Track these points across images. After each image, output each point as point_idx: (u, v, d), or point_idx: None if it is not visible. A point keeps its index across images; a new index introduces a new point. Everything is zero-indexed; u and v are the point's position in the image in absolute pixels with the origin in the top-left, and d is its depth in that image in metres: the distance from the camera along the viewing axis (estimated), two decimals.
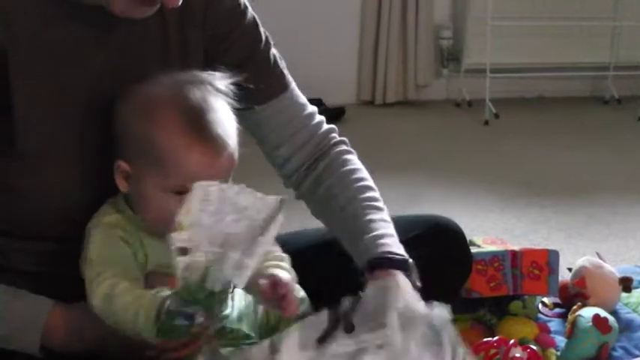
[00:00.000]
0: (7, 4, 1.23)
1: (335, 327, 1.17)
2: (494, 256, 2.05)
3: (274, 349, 1.18)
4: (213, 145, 1.22)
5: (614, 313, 2.09)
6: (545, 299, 2.18)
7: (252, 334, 1.34)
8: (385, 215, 1.43)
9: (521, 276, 2.05)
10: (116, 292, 1.17)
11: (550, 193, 3.16)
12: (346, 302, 1.18)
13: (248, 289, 1.30)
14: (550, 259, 2.08)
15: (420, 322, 1.18)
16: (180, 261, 1.08)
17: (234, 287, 1.14)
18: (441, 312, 1.18)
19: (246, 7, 1.43)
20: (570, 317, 1.99)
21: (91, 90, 1.28)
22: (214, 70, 1.29)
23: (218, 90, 1.26)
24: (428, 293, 1.53)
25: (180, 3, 1.21)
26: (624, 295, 2.20)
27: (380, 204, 1.45)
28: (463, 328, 2.05)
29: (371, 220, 1.40)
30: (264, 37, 1.45)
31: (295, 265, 1.31)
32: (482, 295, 2.03)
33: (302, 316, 1.25)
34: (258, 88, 1.34)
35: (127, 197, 1.28)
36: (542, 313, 2.14)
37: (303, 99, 1.51)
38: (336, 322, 1.18)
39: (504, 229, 2.78)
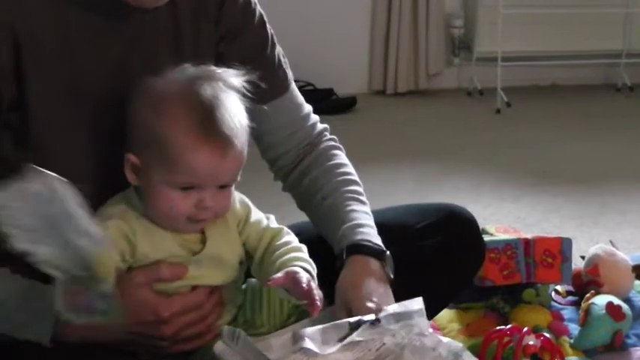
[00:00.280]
0: None
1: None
2: (507, 244, 2.05)
3: (297, 338, 1.19)
4: (220, 144, 1.21)
5: (627, 300, 2.09)
6: (559, 287, 2.18)
7: (266, 325, 1.34)
8: (367, 209, 1.45)
9: (535, 264, 2.06)
10: None
11: (563, 181, 3.15)
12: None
13: (264, 281, 1.31)
14: (563, 246, 2.09)
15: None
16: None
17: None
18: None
19: (255, 5, 1.44)
20: (584, 305, 1.99)
21: (104, 82, 1.28)
22: (222, 67, 1.29)
23: (231, 87, 1.26)
24: (441, 282, 1.55)
25: None
26: (637, 282, 2.20)
27: (363, 198, 1.47)
28: (476, 317, 2.05)
29: (352, 210, 1.42)
30: (270, 37, 1.46)
31: None
32: (496, 284, 2.04)
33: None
34: (261, 88, 1.33)
35: (137, 190, 1.29)
36: (556, 301, 2.14)
37: (301, 99, 1.53)
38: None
39: (517, 218, 2.78)
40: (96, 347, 1.27)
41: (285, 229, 1.35)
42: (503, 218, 2.73)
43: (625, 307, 1.98)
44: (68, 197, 1.08)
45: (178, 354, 1.31)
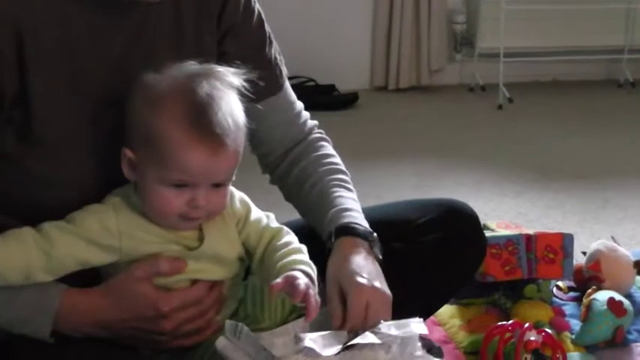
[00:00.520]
0: None
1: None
2: (509, 239, 2.05)
3: (299, 340, 1.20)
4: (212, 143, 1.21)
5: (628, 296, 2.09)
6: (560, 283, 2.18)
7: (267, 320, 1.34)
8: (354, 196, 1.47)
9: (536, 260, 2.06)
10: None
11: (564, 177, 3.15)
12: None
13: (264, 280, 1.31)
14: (565, 242, 2.08)
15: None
16: None
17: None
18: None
19: (255, 4, 1.44)
20: (585, 301, 1.99)
21: (106, 77, 1.28)
22: (223, 65, 1.29)
23: (231, 85, 1.26)
24: (442, 277, 1.55)
25: None
26: (639, 278, 2.20)
27: (350, 186, 1.49)
28: (478, 312, 2.06)
29: (339, 196, 1.44)
30: (267, 36, 1.47)
31: None
32: (497, 279, 2.04)
33: None
34: (257, 86, 1.33)
35: (136, 186, 1.29)
36: (557, 297, 2.14)
37: (293, 96, 1.54)
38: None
39: (519, 214, 2.78)
40: (95, 342, 1.28)
41: (285, 228, 1.35)
42: (505, 214, 2.73)
43: (626, 302, 1.98)
44: None
45: (178, 349, 1.31)
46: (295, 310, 1.34)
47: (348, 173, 1.51)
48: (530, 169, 3.22)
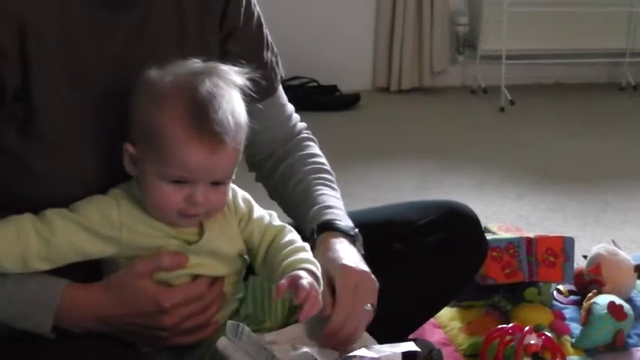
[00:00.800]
0: None
1: None
2: (510, 242, 2.05)
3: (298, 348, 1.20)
4: (211, 140, 1.21)
5: (629, 300, 2.09)
6: (561, 286, 2.18)
7: (268, 320, 1.34)
8: (337, 194, 1.48)
9: (537, 263, 2.05)
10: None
11: (566, 180, 3.15)
12: None
13: (267, 278, 1.31)
14: (565, 246, 2.08)
15: None
16: None
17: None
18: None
19: (255, 6, 1.45)
20: (585, 304, 1.99)
21: (108, 74, 1.28)
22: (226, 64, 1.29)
23: (233, 84, 1.26)
24: (443, 279, 1.55)
25: None
26: (639, 282, 2.20)
27: (334, 185, 1.49)
28: (478, 315, 2.05)
29: (323, 194, 1.45)
30: (265, 39, 1.47)
31: None
32: (497, 282, 2.04)
33: None
34: (255, 87, 1.33)
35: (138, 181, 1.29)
36: (558, 300, 2.14)
37: (285, 99, 1.55)
38: None
39: (520, 216, 2.77)
40: (96, 338, 1.28)
41: (288, 226, 1.35)
42: (506, 216, 2.73)
43: (627, 306, 1.98)
44: None
45: (177, 348, 1.31)
46: (296, 310, 1.34)
47: (333, 173, 1.52)
48: (531, 171, 3.21)
